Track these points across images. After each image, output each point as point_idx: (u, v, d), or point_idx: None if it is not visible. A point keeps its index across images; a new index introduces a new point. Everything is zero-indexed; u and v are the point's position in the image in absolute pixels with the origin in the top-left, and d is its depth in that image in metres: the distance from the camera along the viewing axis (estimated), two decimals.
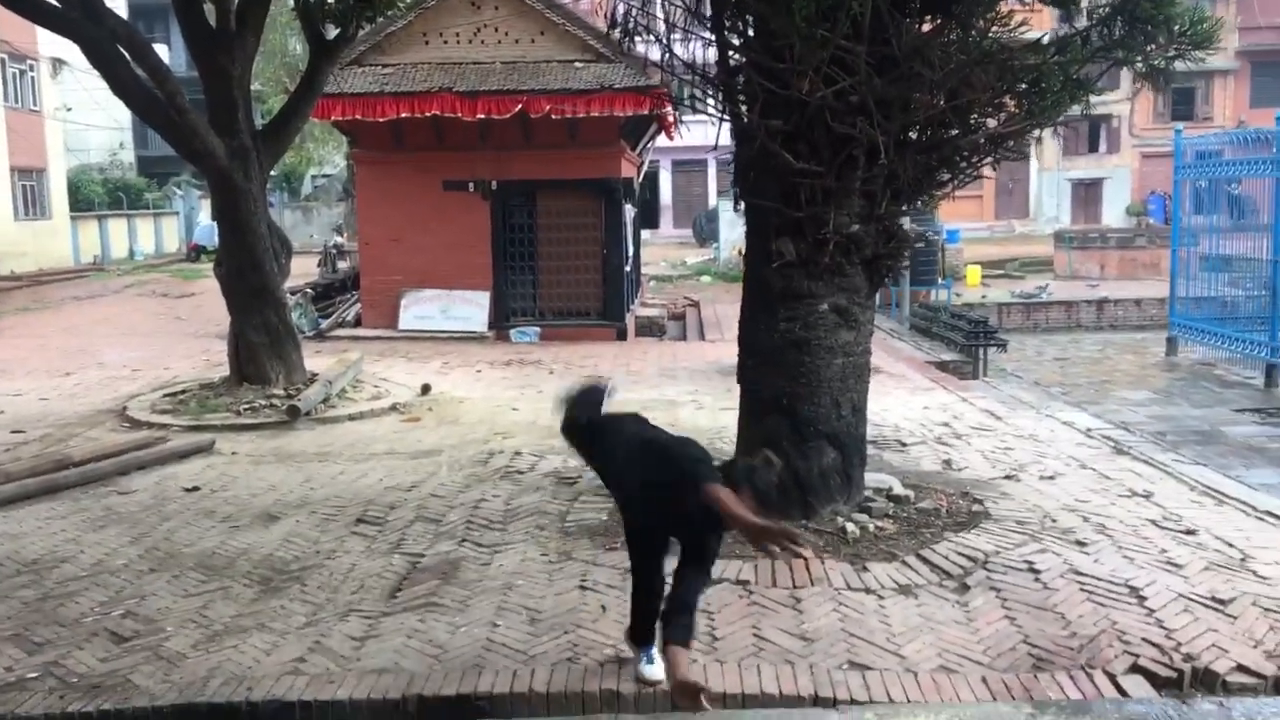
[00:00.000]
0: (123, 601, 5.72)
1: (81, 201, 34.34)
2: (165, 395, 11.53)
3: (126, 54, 10.72)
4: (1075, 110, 6.19)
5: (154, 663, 4.94)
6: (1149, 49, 5.85)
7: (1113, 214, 42.26)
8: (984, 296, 23.63)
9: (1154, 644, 4.77)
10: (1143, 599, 5.26)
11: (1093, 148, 44.10)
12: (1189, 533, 6.34)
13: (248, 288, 11.45)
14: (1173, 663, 4.64)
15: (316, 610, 5.51)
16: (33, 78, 31.76)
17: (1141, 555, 5.88)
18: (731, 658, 4.76)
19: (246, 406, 10.79)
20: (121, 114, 41.02)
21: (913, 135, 6.19)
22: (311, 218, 38.00)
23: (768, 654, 4.79)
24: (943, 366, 14.19)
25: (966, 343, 15.43)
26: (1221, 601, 5.22)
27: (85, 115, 35.29)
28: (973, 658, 4.73)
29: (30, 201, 30.72)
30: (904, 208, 6.48)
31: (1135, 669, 4.61)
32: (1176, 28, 5.71)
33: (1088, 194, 43.84)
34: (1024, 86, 6.12)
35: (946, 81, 5.86)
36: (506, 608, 5.40)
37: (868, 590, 5.43)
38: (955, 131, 6.21)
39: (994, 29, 5.91)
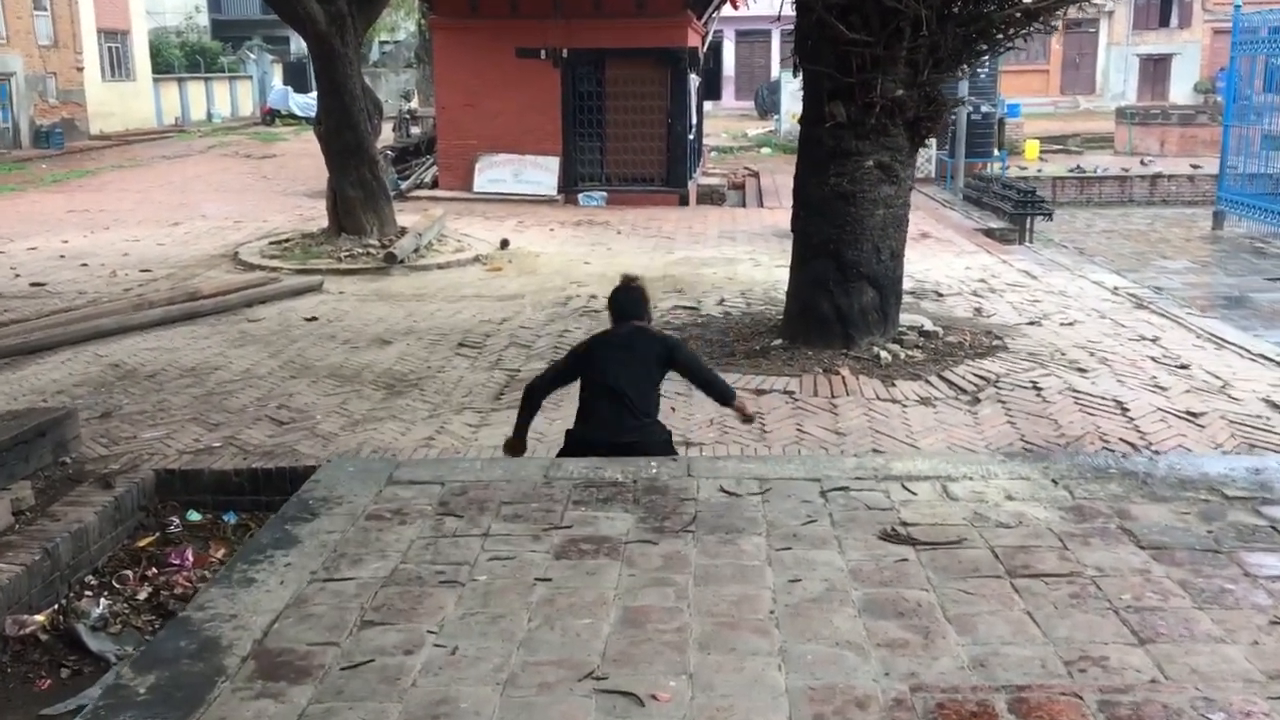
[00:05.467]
0: (275, 398, 6.92)
1: (161, 64, 35.37)
2: (271, 243, 12.71)
3: None
4: None
5: (311, 439, 6.14)
6: None
7: (1181, 91, 41.52)
8: (1040, 170, 24.05)
9: (1129, 443, 5.78)
10: (1126, 411, 6.26)
11: (1163, 22, 43.03)
12: (1182, 367, 7.28)
13: (344, 145, 12.48)
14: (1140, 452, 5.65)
15: (436, 408, 6.67)
16: None
17: (1133, 380, 6.86)
18: (777, 445, 5.85)
19: (346, 254, 11.95)
20: None
21: (953, 10, 6.97)
22: (379, 85, 38.55)
23: (807, 443, 5.88)
24: (989, 234, 14.91)
25: (1014, 211, 16.09)
26: (1194, 414, 6.21)
27: None
28: (975, 448, 5.77)
29: (116, 63, 31.78)
30: (944, 75, 7.28)
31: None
32: None
33: (1156, 70, 43.03)
34: None
35: None
36: None
37: (894, 400, 6.49)
38: (991, 7, 6.99)
39: None
